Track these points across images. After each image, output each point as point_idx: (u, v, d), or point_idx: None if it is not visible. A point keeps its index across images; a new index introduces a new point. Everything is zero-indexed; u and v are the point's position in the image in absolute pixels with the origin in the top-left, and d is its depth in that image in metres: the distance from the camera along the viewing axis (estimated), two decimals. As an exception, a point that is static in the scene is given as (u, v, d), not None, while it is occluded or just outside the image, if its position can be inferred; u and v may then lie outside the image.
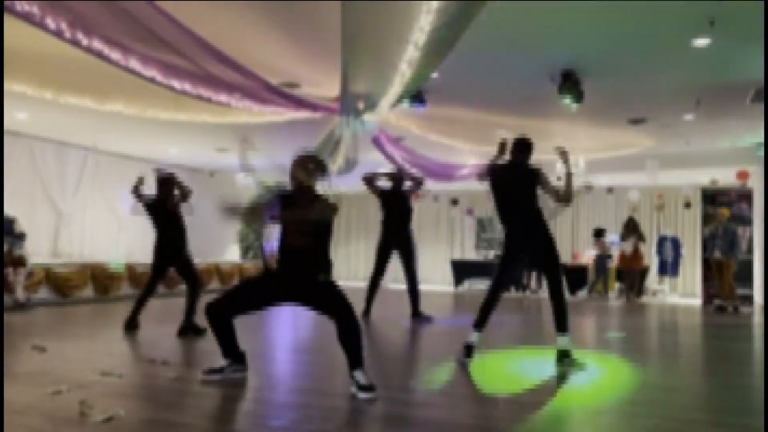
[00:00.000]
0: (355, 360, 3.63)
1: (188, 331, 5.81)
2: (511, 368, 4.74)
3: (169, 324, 6.32)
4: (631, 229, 12.21)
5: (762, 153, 9.90)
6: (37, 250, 10.37)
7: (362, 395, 3.48)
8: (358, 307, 4.81)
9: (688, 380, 4.50)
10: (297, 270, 3.77)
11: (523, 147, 4.81)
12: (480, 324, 4.77)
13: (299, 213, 3.71)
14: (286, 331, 7.05)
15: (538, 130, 9.61)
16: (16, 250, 7.84)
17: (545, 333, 7.24)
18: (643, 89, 7.43)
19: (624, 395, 3.85)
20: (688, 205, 13.39)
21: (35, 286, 8.25)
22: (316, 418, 3.14)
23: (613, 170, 12.65)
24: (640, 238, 12.15)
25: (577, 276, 13.08)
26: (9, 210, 8.46)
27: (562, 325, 4.60)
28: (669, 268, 12.88)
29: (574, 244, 15.32)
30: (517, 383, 4.17)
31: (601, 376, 4.49)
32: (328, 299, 3.76)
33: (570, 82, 6.83)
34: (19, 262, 7.84)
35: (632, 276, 12.14)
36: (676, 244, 12.92)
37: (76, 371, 4.10)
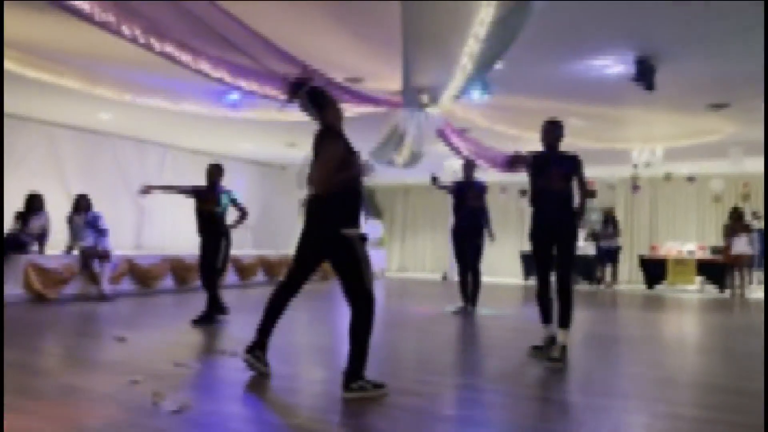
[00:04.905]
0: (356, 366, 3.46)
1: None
2: (578, 368, 4.62)
3: (242, 314, 6.54)
4: (736, 220, 11.36)
5: None
6: (121, 244, 10.99)
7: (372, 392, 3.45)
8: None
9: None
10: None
11: (555, 128, 4.69)
12: (548, 319, 4.71)
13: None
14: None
15: (612, 118, 9.27)
16: (101, 244, 8.32)
17: (615, 331, 7.02)
18: (722, 73, 7.01)
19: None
20: (776, 193, 12.53)
21: (119, 278, 8.73)
22: (383, 414, 3.18)
23: (693, 158, 12.01)
24: (748, 230, 11.37)
25: (656, 268, 12.56)
26: (96, 205, 8.99)
27: (566, 321, 4.57)
28: (756, 261, 12.13)
29: (652, 235, 14.70)
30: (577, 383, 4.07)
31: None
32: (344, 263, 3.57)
33: (645, 69, 6.54)
34: (104, 255, 8.31)
35: (740, 271, 11.36)
36: (762, 236, 12.14)
37: (152, 361, 4.33)
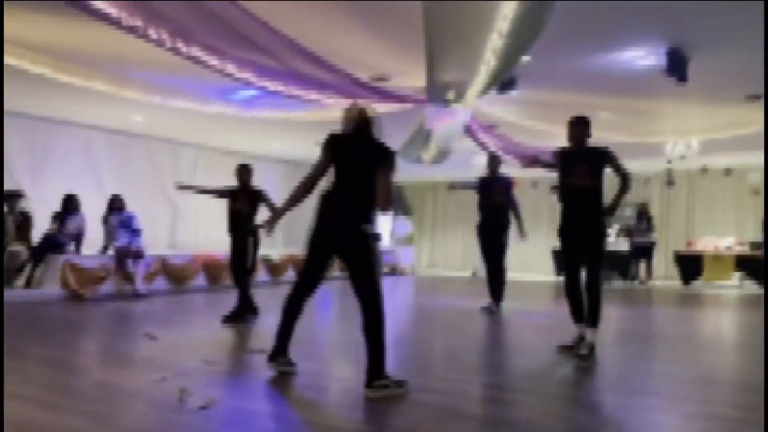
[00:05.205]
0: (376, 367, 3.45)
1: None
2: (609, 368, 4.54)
3: (273, 313, 6.61)
4: None
5: None
6: (156, 243, 11.22)
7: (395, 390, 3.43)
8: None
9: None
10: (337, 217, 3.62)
11: (580, 125, 4.62)
12: (580, 318, 4.63)
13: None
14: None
15: (645, 111, 9.08)
16: (135, 244, 8.50)
17: (649, 328, 6.88)
18: (759, 62, 6.79)
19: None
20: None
21: (152, 277, 8.92)
22: (408, 412, 3.18)
23: (731, 150, 11.68)
24: None
25: (692, 264, 12.25)
26: (130, 206, 9.20)
27: (594, 319, 4.50)
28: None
29: (688, 230, 14.34)
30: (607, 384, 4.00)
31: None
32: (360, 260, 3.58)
33: (677, 60, 6.39)
34: (138, 255, 8.50)
35: None
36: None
37: (182, 358, 4.41)
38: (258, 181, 6.77)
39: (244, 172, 6.43)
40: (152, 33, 4.76)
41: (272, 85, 5.94)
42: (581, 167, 4.51)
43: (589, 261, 4.56)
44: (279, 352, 3.79)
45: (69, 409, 3.11)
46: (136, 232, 8.54)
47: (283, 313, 3.81)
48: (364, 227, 3.54)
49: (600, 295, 4.54)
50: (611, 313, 7.78)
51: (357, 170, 3.63)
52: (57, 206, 8.72)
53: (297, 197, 3.77)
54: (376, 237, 3.61)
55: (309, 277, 3.76)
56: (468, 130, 8.79)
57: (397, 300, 9.77)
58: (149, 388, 3.54)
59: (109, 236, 8.92)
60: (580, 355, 4.38)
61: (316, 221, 3.67)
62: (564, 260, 4.72)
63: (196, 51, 5.00)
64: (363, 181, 3.58)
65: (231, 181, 6.51)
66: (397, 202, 17.73)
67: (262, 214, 6.56)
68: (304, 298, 3.78)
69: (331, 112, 8.31)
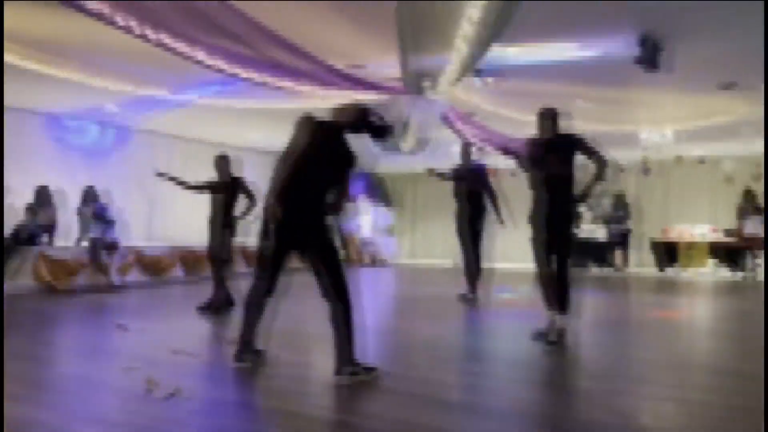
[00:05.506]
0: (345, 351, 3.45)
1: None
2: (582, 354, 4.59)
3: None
4: (749, 201, 11.12)
5: None
6: (132, 235, 11.09)
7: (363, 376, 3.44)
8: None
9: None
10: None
11: (549, 116, 4.68)
12: (552, 304, 4.64)
13: None
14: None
15: (620, 100, 9.13)
16: (109, 235, 8.41)
17: (623, 315, 6.96)
18: (732, 51, 6.86)
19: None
20: (789, 174, 12.31)
21: (127, 269, 8.83)
22: (376, 399, 3.19)
23: (704, 139, 11.81)
24: (760, 211, 11.14)
25: (667, 252, 12.41)
26: (105, 197, 9.09)
27: (564, 305, 4.55)
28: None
29: (663, 218, 14.52)
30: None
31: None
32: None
33: (649, 49, 6.42)
34: (112, 246, 8.41)
35: (753, 253, 11.14)
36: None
37: (152, 349, 4.37)
38: (237, 172, 6.75)
39: (222, 162, 6.44)
40: (119, 19, 4.67)
41: (244, 73, 5.87)
42: (552, 156, 4.55)
43: (560, 248, 4.59)
44: (245, 350, 3.74)
45: (34, 401, 3.07)
46: (110, 224, 8.45)
47: (245, 313, 3.72)
48: (326, 221, 3.54)
49: (569, 281, 4.59)
50: (587, 300, 7.86)
51: (328, 166, 3.57)
52: (29, 198, 8.59)
53: (284, 185, 3.44)
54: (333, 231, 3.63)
55: (271, 274, 3.62)
56: (445, 119, 8.79)
57: (376, 290, 9.78)
58: (116, 378, 3.51)
59: (83, 228, 8.81)
60: (550, 341, 4.42)
61: (275, 216, 3.49)
62: (535, 247, 4.73)
63: (164, 38, 4.92)
64: (328, 178, 3.57)
65: (209, 172, 6.48)
66: (378, 192, 17.72)
67: (242, 204, 6.56)
68: (267, 296, 3.67)
69: (309, 102, 8.27)
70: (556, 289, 4.65)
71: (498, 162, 10.46)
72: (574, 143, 4.59)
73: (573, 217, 4.63)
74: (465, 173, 7.21)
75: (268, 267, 3.61)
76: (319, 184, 3.56)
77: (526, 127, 9.98)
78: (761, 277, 11.11)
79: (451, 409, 3.05)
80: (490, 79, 7.14)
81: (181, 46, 5.12)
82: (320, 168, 3.53)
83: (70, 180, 10.54)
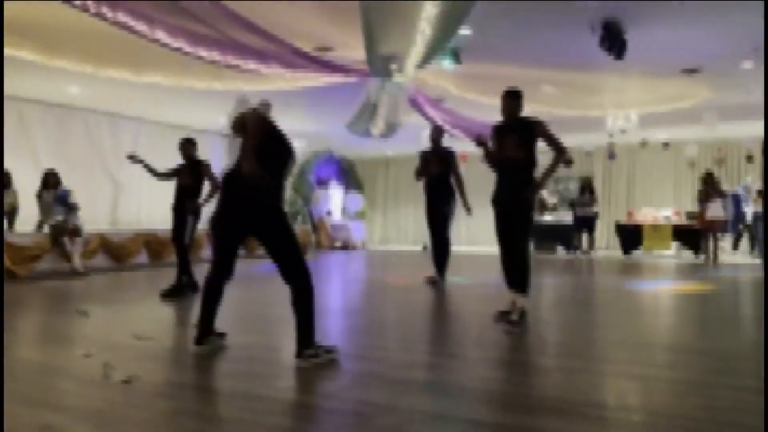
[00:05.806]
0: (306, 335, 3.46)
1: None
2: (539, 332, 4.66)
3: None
4: (710, 185, 11.32)
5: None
6: (97, 220, 10.89)
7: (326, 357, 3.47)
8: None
9: None
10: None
11: (513, 97, 4.68)
12: (513, 286, 4.70)
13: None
14: (335, 296, 7.15)
15: (587, 84, 9.23)
16: (71, 220, 8.24)
17: (585, 296, 7.09)
18: (694, 36, 6.98)
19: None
20: (750, 158, 12.65)
21: (91, 254, 8.67)
22: (333, 378, 3.19)
23: (669, 124, 12.04)
24: (722, 195, 11.37)
25: (632, 235, 12.65)
26: (68, 182, 8.88)
27: (523, 286, 4.61)
28: (730, 225, 12.26)
29: (629, 202, 14.80)
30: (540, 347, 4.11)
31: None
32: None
33: (612, 33, 6.49)
34: (74, 232, 8.24)
35: (714, 235, 11.39)
36: (737, 201, 12.25)
37: (112, 334, 4.31)
38: (204, 155, 6.67)
39: (188, 146, 6.34)
40: (75, -2, 4.54)
41: (207, 55, 5.76)
42: (511, 139, 4.58)
43: (517, 230, 4.63)
44: (205, 334, 3.72)
45: (-15, 387, 3.00)
46: (72, 208, 8.27)
47: (203, 298, 3.72)
48: (276, 204, 3.51)
49: (527, 262, 4.64)
50: (552, 282, 7.99)
51: (275, 153, 3.56)
52: (-13, 182, 8.35)
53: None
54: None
55: (226, 259, 3.66)
56: (414, 104, 8.78)
57: (345, 274, 9.79)
58: (73, 363, 3.46)
59: (44, 213, 8.61)
60: (511, 321, 4.48)
61: (224, 201, 3.58)
62: (496, 229, 4.77)
63: (122, 17, 4.80)
64: (275, 163, 3.53)
65: (175, 156, 6.37)
66: (348, 177, 17.66)
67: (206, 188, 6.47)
68: (224, 281, 3.70)
69: (274, 83, 8.17)
70: (514, 270, 4.71)
71: (467, 148, 10.51)
72: (532, 126, 4.62)
73: (526, 201, 4.61)
74: (432, 156, 7.20)
75: (219, 253, 3.66)
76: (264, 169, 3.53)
77: (493, 111, 10.06)
78: (722, 258, 11.41)
79: (412, 388, 3.08)
80: (455, 65, 7.13)
81: (139, 25, 5.01)
82: (268, 156, 3.51)
83: (32, 164, 10.29)
